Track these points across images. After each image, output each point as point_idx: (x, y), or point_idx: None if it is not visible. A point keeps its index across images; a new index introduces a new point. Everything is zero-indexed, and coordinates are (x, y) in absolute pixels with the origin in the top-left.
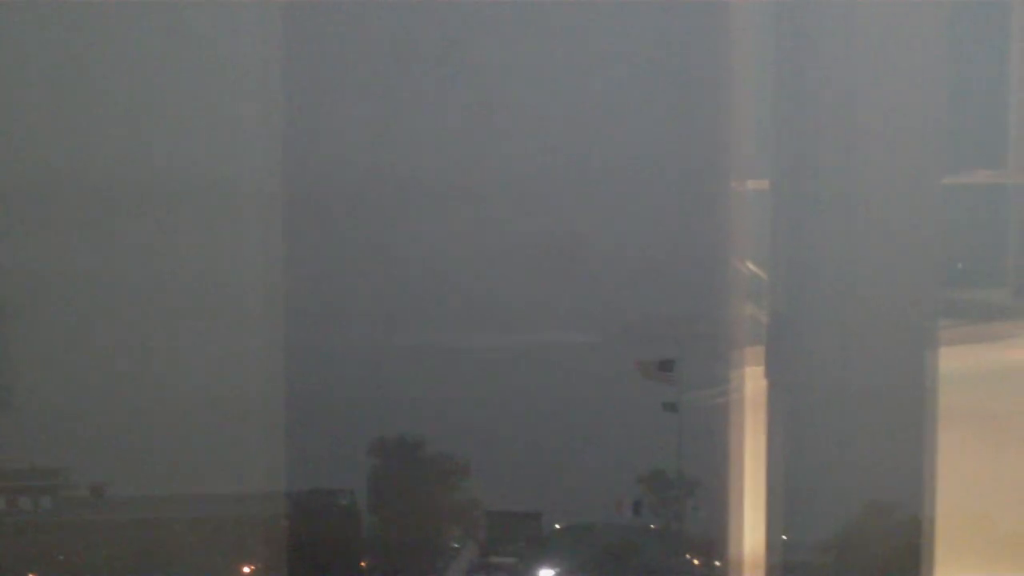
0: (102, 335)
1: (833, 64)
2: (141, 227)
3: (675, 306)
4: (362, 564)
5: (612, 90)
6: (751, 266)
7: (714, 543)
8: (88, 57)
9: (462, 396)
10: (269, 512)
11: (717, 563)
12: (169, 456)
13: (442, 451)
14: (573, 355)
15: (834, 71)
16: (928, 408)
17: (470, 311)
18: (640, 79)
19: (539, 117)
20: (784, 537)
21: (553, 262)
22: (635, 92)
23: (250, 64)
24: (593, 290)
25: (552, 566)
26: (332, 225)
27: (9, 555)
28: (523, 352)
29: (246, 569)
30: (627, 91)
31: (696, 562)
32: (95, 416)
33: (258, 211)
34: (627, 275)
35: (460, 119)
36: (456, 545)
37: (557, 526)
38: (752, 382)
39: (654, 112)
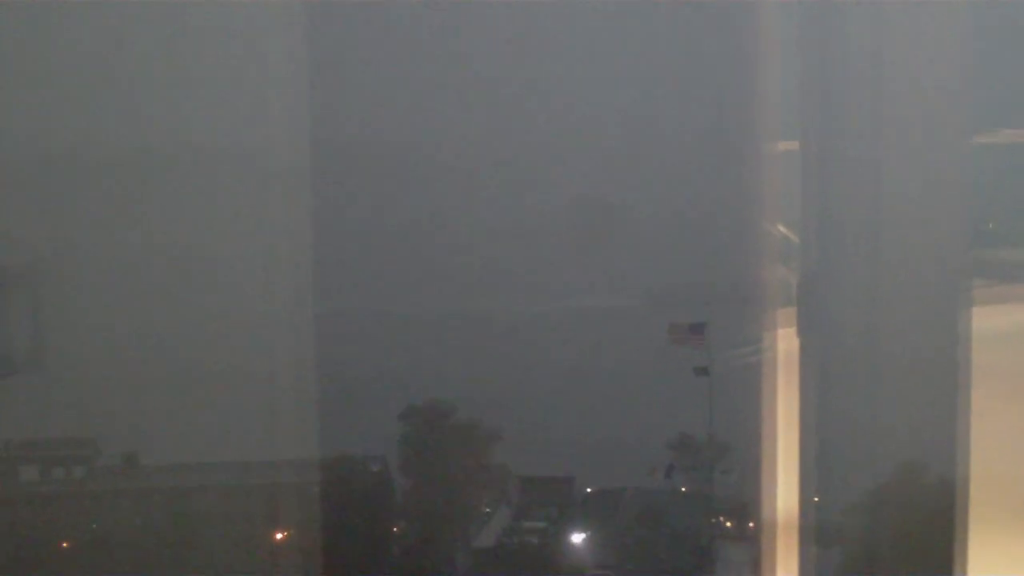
0: (133, 305)
1: (860, 24)
2: (173, 199)
3: (706, 269)
4: (394, 529)
5: (641, 54)
6: (781, 228)
7: (746, 506)
8: (127, 45)
9: (493, 362)
10: (301, 479)
11: (750, 525)
12: (201, 425)
13: (473, 417)
14: (604, 320)
15: (861, 31)
16: (960, 368)
17: (501, 278)
18: (669, 43)
19: (569, 86)
20: (816, 499)
21: (583, 228)
22: (664, 57)
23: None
24: (623, 255)
25: (584, 530)
26: (362, 193)
27: (44, 523)
28: (554, 318)
29: (279, 535)
30: (656, 56)
31: (728, 524)
32: (127, 386)
33: (288, 181)
34: (657, 239)
35: (496, 89)
36: (487, 510)
37: (588, 490)
38: (784, 343)
39: (682, 76)
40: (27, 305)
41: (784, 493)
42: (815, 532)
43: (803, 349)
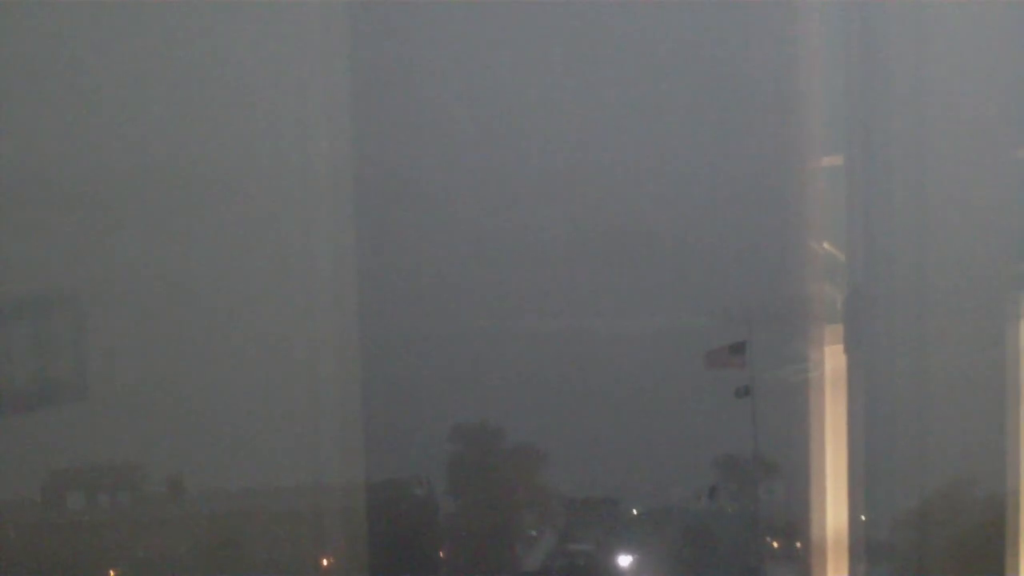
0: (174, 325)
1: (904, 35)
2: (215, 221)
3: (750, 288)
4: (440, 553)
5: (684, 71)
6: (826, 245)
7: (793, 525)
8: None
9: (536, 382)
10: (345, 503)
11: (798, 544)
12: (245, 448)
13: (517, 438)
14: (647, 340)
15: (905, 42)
16: (1010, 384)
17: (545, 297)
18: (711, 59)
19: (611, 104)
20: (863, 517)
21: (624, 248)
22: (706, 73)
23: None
24: (665, 274)
25: (630, 552)
26: (407, 210)
27: (89, 551)
28: (597, 338)
29: (324, 561)
30: (698, 72)
31: (775, 544)
32: (169, 409)
33: (333, 196)
34: (701, 258)
35: (537, 106)
36: (533, 533)
37: (634, 512)
38: (831, 360)
39: (725, 92)
40: (72, 332)
41: (831, 511)
42: (864, 550)
43: (850, 366)
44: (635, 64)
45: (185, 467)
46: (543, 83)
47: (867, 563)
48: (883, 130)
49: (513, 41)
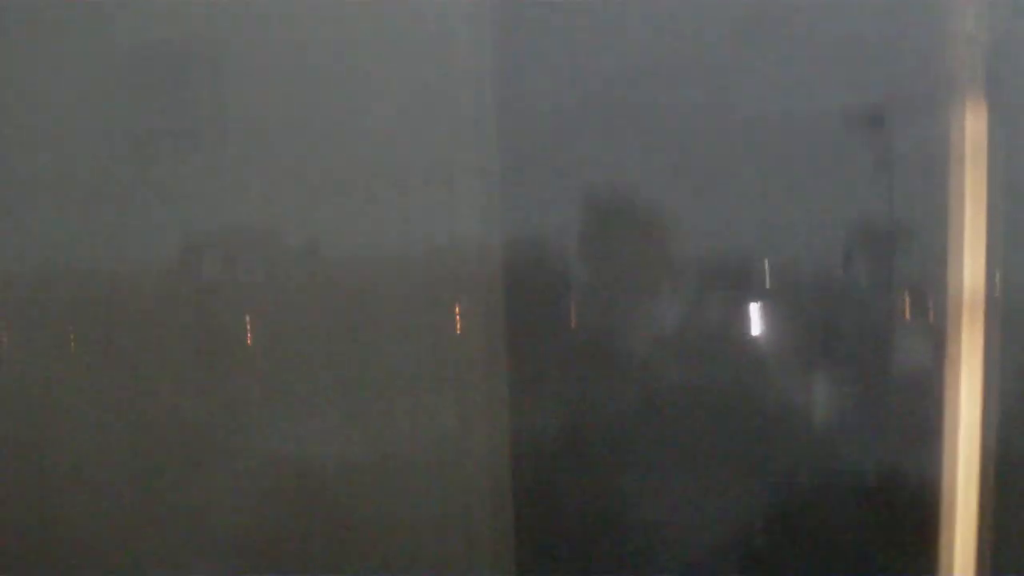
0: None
1: None
2: (344, 125)
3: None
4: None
5: None
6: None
7: (928, 290)
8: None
9: (670, 149)
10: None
11: (932, 310)
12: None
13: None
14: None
15: None
16: None
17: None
18: None
19: None
20: (998, 276)
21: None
22: None
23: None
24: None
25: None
26: (541, 124)
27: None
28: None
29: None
30: None
31: (909, 309)
32: None
33: (471, 118)
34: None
35: None
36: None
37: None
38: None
39: None
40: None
41: (967, 272)
42: (1002, 309)
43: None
44: None
45: None
46: None
47: (1003, 321)
48: None
49: None
